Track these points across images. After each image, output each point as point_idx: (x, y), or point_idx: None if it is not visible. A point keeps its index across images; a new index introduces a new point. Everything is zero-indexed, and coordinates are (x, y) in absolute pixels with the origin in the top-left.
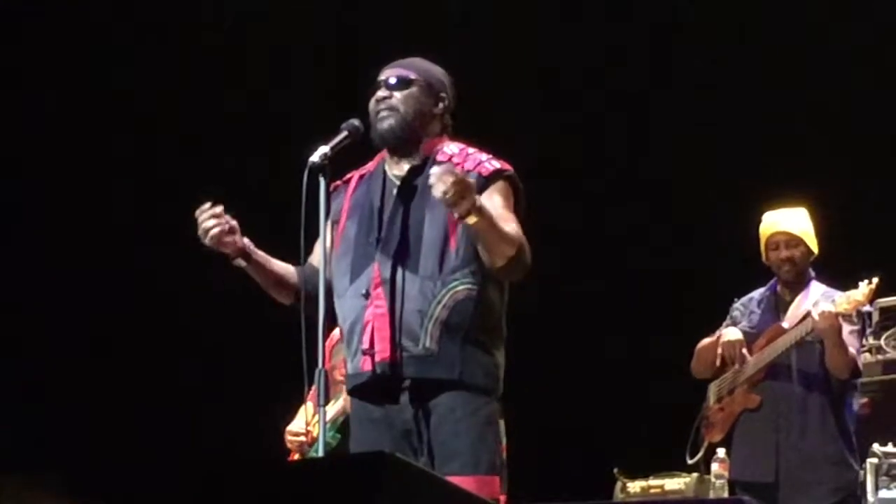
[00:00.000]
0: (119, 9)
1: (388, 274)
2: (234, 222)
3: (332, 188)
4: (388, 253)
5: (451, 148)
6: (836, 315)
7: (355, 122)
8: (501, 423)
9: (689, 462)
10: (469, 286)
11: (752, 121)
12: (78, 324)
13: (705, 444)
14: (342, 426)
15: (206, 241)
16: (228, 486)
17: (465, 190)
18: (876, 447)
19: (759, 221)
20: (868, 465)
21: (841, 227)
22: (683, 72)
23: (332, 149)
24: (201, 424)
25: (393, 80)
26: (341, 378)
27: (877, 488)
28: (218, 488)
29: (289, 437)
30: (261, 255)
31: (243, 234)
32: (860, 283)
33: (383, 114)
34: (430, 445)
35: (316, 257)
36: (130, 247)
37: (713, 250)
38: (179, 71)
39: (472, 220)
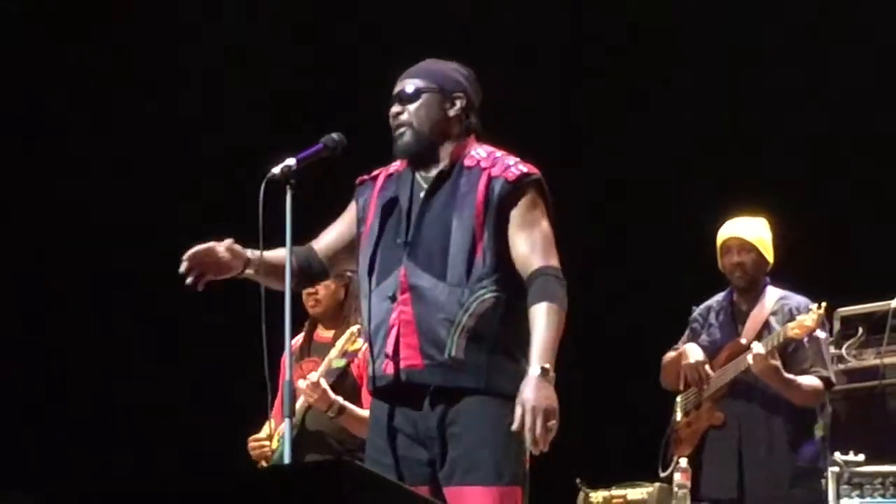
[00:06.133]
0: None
1: (415, 280)
2: (220, 249)
3: (358, 182)
4: (415, 258)
5: (478, 152)
6: (767, 356)
7: (335, 135)
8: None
9: (662, 475)
10: (496, 294)
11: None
12: (38, 336)
13: (675, 458)
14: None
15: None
16: (189, 495)
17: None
18: (837, 456)
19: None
20: (830, 474)
21: (799, 236)
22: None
23: (299, 161)
24: (165, 438)
25: (404, 93)
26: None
27: (839, 497)
28: (178, 498)
29: (252, 444)
30: (257, 257)
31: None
32: (811, 307)
33: (399, 130)
34: (454, 454)
35: (319, 244)
36: (102, 250)
37: (675, 262)
38: None
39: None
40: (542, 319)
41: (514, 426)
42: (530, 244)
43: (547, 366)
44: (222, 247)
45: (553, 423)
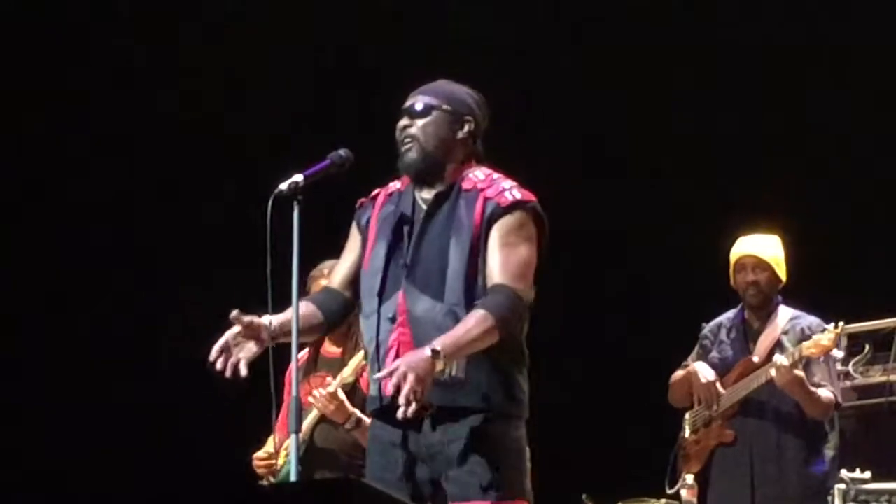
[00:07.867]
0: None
1: (413, 301)
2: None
3: (357, 205)
4: (414, 280)
5: (476, 175)
6: (791, 368)
7: (342, 152)
8: (527, 449)
9: (669, 492)
10: None
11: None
12: (38, 342)
13: (683, 475)
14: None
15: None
16: None
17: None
18: (844, 473)
19: (731, 246)
20: (836, 491)
21: (804, 252)
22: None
23: (306, 177)
24: (171, 451)
25: (414, 108)
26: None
27: None
28: None
29: (257, 463)
30: (282, 322)
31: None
32: (826, 327)
33: (405, 144)
34: (456, 471)
35: (335, 280)
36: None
37: (684, 277)
38: None
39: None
40: (469, 321)
41: (380, 374)
42: (500, 263)
43: (439, 348)
44: (240, 326)
45: (417, 388)
